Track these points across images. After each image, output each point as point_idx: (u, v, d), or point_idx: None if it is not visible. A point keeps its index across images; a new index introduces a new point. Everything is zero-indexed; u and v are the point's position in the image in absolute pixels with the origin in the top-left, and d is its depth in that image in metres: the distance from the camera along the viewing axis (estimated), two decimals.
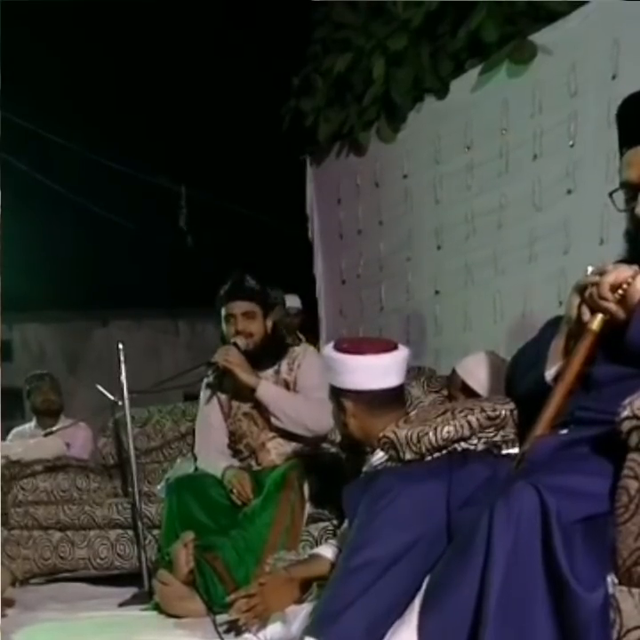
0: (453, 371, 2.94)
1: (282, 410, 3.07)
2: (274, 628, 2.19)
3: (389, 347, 2.42)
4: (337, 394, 2.43)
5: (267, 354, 3.18)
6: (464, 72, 4.26)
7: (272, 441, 3.14)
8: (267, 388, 3.09)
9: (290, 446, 3.11)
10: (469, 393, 2.76)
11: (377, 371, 2.40)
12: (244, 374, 3.09)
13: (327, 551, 2.35)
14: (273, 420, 3.10)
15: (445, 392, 3.04)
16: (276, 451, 3.11)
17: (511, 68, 3.97)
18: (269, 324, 3.21)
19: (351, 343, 2.45)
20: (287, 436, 3.13)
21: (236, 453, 3.25)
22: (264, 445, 3.15)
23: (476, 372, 2.77)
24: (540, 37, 3.88)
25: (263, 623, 2.24)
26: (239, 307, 3.16)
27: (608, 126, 3.60)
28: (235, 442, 3.25)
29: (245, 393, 3.17)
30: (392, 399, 2.41)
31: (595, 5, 3.65)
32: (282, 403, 3.08)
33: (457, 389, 2.83)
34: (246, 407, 3.20)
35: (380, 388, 2.40)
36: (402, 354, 2.43)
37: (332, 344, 2.47)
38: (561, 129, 3.81)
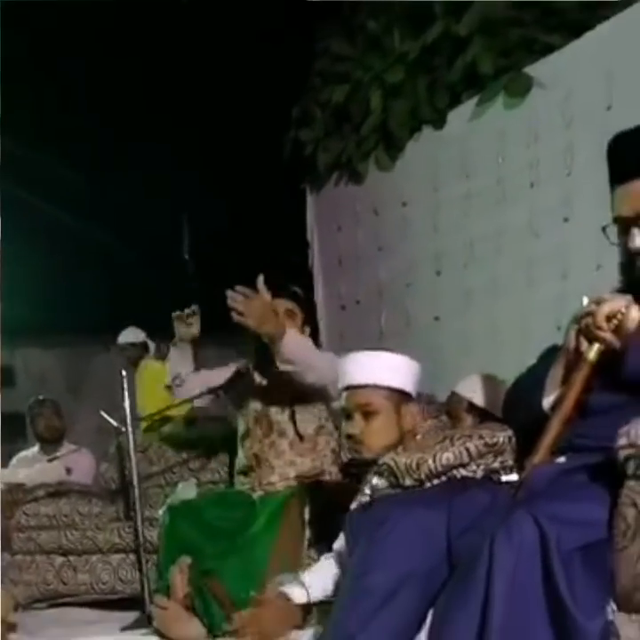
0: (452, 394, 2.98)
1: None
2: None
3: None
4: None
5: None
6: (461, 103, 4.32)
7: (277, 459, 3.10)
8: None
9: (293, 469, 3.10)
10: (476, 411, 2.81)
11: None
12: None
13: (296, 594, 2.32)
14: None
15: (444, 417, 3.07)
16: (280, 471, 3.07)
17: (507, 99, 4.04)
18: None
19: None
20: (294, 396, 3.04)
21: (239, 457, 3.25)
22: (268, 461, 3.11)
23: (479, 391, 2.83)
24: (534, 69, 3.95)
25: None
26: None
27: (603, 156, 3.67)
28: (241, 440, 3.21)
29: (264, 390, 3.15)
30: None
31: (588, 39, 3.72)
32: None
33: (463, 411, 2.88)
34: (258, 406, 3.16)
35: None
36: None
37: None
38: (557, 158, 3.86)
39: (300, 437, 3.08)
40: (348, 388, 2.31)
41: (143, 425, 4.78)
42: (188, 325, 3.31)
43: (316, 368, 2.80)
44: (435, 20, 4.27)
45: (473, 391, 2.88)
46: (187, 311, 3.32)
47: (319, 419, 3.10)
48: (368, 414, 2.26)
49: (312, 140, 5.13)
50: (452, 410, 2.95)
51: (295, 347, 2.78)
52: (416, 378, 2.35)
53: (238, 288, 2.64)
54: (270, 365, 2.90)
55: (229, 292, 2.65)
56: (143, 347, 5.71)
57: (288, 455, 3.09)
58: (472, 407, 2.87)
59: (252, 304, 2.64)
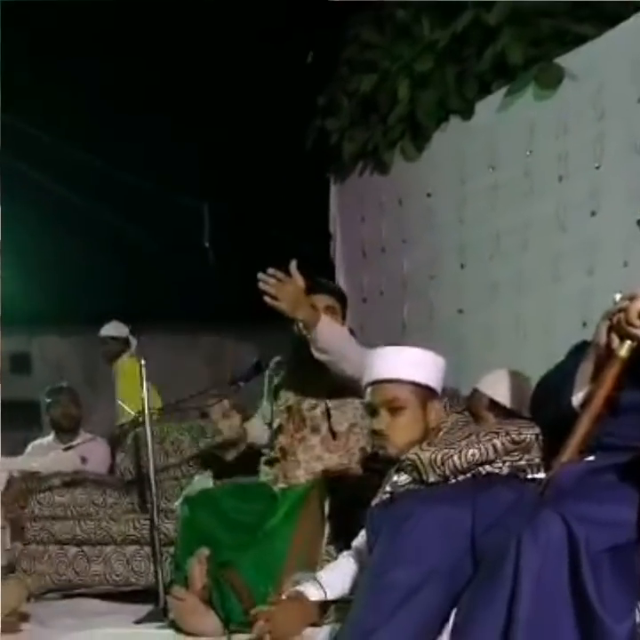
0: (474, 391, 2.92)
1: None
2: None
3: None
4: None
5: None
6: (490, 93, 4.26)
7: (305, 454, 3.05)
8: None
9: (320, 464, 3.03)
10: (498, 409, 2.76)
11: None
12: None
13: (311, 592, 2.29)
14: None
15: (467, 412, 3.02)
16: (306, 465, 3.03)
17: (537, 90, 3.98)
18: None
19: None
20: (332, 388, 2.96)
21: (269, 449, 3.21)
22: (296, 456, 3.06)
23: (501, 388, 2.79)
24: (565, 60, 3.88)
25: None
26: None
27: (633, 149, 3.62)
28: (274, 434, 3.17)
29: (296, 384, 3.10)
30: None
31: (621, 30, 3.65)
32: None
33: (484, 409, 2.82)
34: (291, 400, 3.12)
35: None
36: None
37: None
38: (586, 151, 3.80)
39: (334, 434, 3.02)
40: (374, 383, 2.26)
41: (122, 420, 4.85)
42: (227, 418, 3.17)
43: (351, 359, 2.68)
44: (465, 9, 4.20)
45: (494, 388, 2.83)
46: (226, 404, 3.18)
47: (353, 416, 3.03)
48: (394, 410, 2.22)
49: (338, 129, 5.10)
50: (473, 407, 2.89)
51: (330, 335, 2.70)
52: (442, 374, 2.32)
53: (270, 271, 2.56)
54: (306, 357, 2.82)
55: (261, 275, 2.57)
56: (125, 342, 5.73)
57: (317, 450, 3.04)
58: (493, 404, 2.82)
59: (285, 288, 2.56)
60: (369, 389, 2.28)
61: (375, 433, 2.27)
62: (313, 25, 5.41)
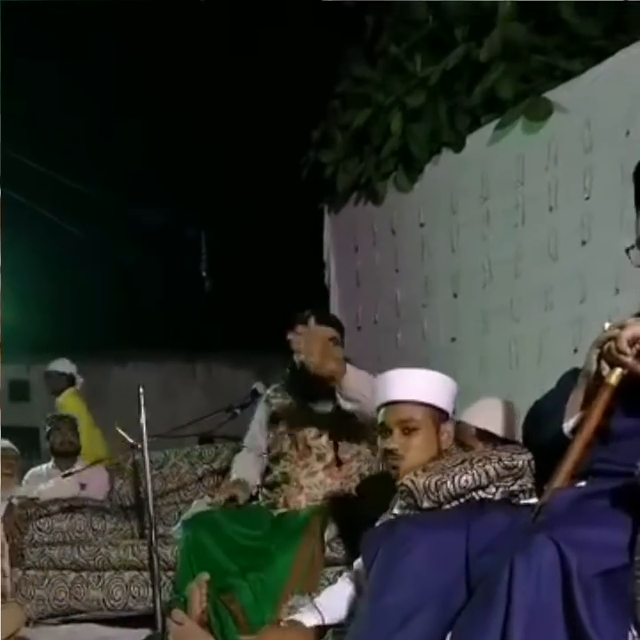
0: (458, 423, 2.94)
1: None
2: None
3: None
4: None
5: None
6: (480, 127, 4.32)
7: (308, 479, 3.10)
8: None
9: (322, 490, 3.08)
10: (486, 437, 2.79)
11: None
12: None
13: (308, 618, 2.26)
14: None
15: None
16: (309, 491, 3.07)
17: (527, 123, 4.05)
18: None
19: None
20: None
21: (267, 473, 3.24)
22: (298, 482, 3.11)
23: (486, 417, 2.81)
24: (554, 95, 3.95)
25: None
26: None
27: (622, 180, 3.68)
28: (273, 460, 3.22)
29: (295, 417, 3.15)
30: None
31: (608, 65, 3.73)
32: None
33: (471, 438, 2.84)
34: (295, 427, 3.16)
35: None
36: None
37: None
38: (576, 182, 3.86)
39: (339, 463, 3.08)
40: (389, 403, 2.30)
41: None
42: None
43: (372, 402, 2.70)
44: (456, 46, 4.29)
45: (479, 418, 2.85)
46: None
47: (357, 444, 3.10)
48: (408, 430, 2.27)
49: (332, 161, 5.14)
50: (460, 437, 2.91)
51: (356, 383, 2.78)
52: (453, 397, 2.38)
53: (299, 329, 2.72)
54: (308, 385, 2.93)
55: (291, 335, 2.70)
56: (70, 379, 5.77)
57: (319, 477, 3.09)
58: (481, 433, 2.85)
59: (313, 344, 2.66)
60: (382, 410, 2.32)
61: (389, 453, 2.30)
62: (309, 60, 5.49)
